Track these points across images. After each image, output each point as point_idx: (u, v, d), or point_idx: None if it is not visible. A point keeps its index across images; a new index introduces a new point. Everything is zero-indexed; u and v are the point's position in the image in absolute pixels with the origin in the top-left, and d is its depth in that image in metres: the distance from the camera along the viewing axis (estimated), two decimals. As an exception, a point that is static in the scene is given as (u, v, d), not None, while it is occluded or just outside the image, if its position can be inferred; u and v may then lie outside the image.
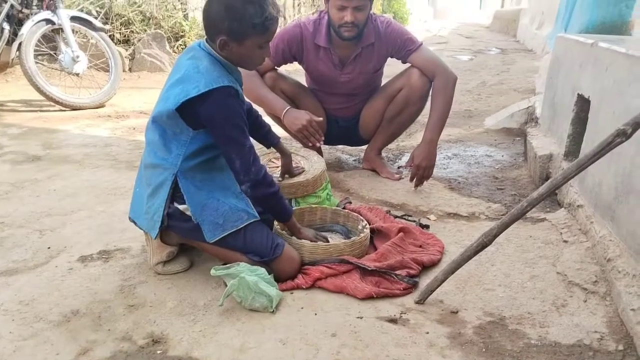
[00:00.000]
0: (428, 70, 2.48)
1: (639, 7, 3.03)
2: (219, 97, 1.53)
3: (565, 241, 1.98)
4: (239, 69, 1.68)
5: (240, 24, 1.53)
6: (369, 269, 1.69)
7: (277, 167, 2.20)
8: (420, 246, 1.92)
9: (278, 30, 2.29)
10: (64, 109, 4.02)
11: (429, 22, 15.42)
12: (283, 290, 1.62)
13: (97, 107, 4.16)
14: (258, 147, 2.09)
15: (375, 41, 2.46)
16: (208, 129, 1.59)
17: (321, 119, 2.33)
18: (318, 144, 2.29)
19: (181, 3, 6.47)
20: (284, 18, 7.16)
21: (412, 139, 3.50)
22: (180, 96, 1.53)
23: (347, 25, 2.30)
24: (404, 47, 2.47)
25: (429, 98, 2.56)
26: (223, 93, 1.54)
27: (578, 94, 2.29)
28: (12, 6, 3.84)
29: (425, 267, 1.80)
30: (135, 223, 1.76)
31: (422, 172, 2.45)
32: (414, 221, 2.16)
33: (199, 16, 6.64)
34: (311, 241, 1.78)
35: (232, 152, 1.59)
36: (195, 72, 1.55)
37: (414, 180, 2.48)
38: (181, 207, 1.63)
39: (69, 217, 2.18)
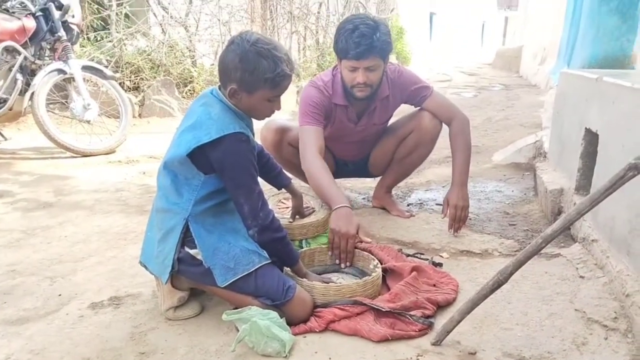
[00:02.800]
0: (443, 114, 2.49)
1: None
2: (230, 144, 1.55)
3: (582, 277, 1.94)
4: None
5: (252, 76, 1.56)
6: (383, 310, 1.66)
7: (288, 207, 2.20)
8: (434, 285, 1.89)
9: (307, 95, 2.33)
10: (75, 155, 4.07)
11: (431, 60, 15.67)
12: (296, 334, 1.59)
13: (107, 153, 4.21)
14: (268, 187, 2.11)
15: (390, 93, 2.45)
16: (218, 173, 1.60)
17: (369, 240, 2.17)
18: (342, 264, 1.99)
19: (189, 50, 6.62)
20: (298, 75, 7.29)
21: (421, 176, 3.50)
22: (192, 142, 1.55)
23: (359, 86, 2.26)
24: (418, 94, 2.48)
25: (439, 139, 2.58)
26: (234, 139, 1.56)
27: (586, 128, 2.29)
28: (25, 58, 3.95)
29: (440, 306, 1.77)
30: (146, 267, 1.75)
31: (459, 212, 2.37)
32: (427, 259, 2.14)
33: (206, 62, 6.80)
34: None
35: (241, 197, 1.60)
36: (207, 118, 1.57)
37: (452, 225, 2.40)
38: (192, 251, 1.62)
39: (79, 264, 2.17)
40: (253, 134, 1.70)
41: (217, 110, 1.60)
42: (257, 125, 2.56)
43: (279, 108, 1.70)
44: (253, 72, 1.55)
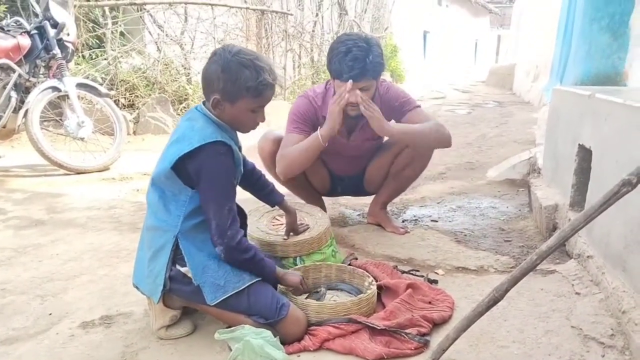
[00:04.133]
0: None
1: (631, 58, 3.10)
2: (209, 153, 1.55)
3: (578, 293, 1.93)
4: None
5: (234, 86, 1.57)
6: (379, 328, 1.64)
7: (282, 224, 2.19)
8: (430, 302, 1.87)
9: (296, 105, 2.36)
10: (68, 173, 4.05)
11: (425, 78, 15.79)
12: (290, 354, 1.57)
13: (101, 170, 4.19)
14: (262, 204, 2.10)
15: (380, 108, 2.43)
16: (196, 186, 1.58)
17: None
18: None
19: (184, 68, 6.64)
20: (282, 87, 7.30)
21: (416, 192, 3.50)
22: (175, 154, 1.55)
23: (352, 105, 2.26)
24: (402, 107, 2.48)
25: (433, 155, 2.60)
26: (213, 149, 1.55)
27: (579, 145, 2.30)
28: (20, 75, 3.95)
29: (436, 324, 1.75)
30: (138, 289, 1.73)
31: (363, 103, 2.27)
32: (422, 276, 2.13)
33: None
34: (300, 287, 1.77)
35: (211, 212, 1.57)
36: (190, 130, 1.59)
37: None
38: (183, 269, 1.60)
39: (71, 282, 2.15)
40: (240, 148, 1.70)
41: (201, 123, 1.61)
42: (254, 140, 2.57)
43: (262, 119, 1.69)
44: (235, 81, 1.56)
